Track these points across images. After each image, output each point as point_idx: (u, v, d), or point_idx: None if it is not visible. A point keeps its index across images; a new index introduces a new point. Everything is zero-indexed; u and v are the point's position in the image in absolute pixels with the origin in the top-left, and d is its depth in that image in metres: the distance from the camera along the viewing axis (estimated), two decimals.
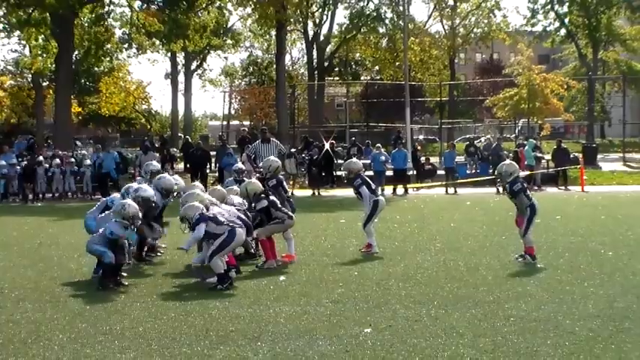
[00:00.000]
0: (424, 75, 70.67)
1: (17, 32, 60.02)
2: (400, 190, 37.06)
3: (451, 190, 37.29)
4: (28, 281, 14.34)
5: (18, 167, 36.03)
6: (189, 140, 47.16)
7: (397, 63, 66.73)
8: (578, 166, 40.04)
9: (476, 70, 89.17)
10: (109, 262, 13.54)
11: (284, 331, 10.27)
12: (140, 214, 13.90)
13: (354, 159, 20.83)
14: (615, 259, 15.72)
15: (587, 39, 73.15)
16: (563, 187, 38.60)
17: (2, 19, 56.85)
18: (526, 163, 39.05)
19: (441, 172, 41.57)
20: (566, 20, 73.17)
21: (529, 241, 15.60)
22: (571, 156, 42.63)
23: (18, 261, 16.72)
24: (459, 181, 38.22)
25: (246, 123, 74.26)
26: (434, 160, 45.56)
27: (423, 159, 44.18)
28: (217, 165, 39.93)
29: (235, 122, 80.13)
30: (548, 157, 42.91)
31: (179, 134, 73.77)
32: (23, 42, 66.58)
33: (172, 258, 16.37)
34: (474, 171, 43.14)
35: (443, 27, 75.47)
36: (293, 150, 41.31)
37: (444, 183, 38.05)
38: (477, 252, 16.94)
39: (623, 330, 10.01)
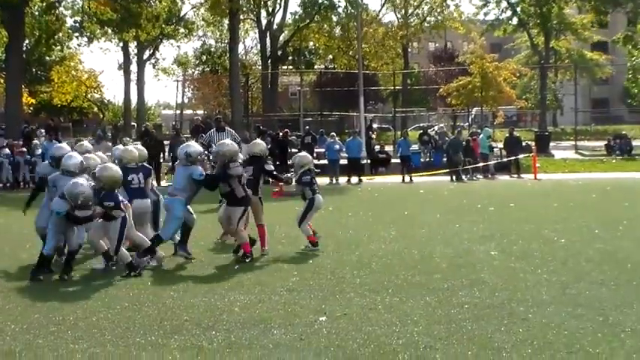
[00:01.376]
0: (378, 64, 70.73)
1: None
2: (354, 179, 37.11)
3: (407, 178, 37.34)
4: None
5: None
6: (148, 128, 46.47)
7: (351, 52, 66.82)
8: (531, 154, 40.36)
9: (429, 58, 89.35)
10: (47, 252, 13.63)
11: (239, 319, 10.23)
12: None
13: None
14: (568, 246, 15.85)
15: (538, 28, 73.60)
16: (516, 175, 38.88)
17: None
18: (480, 151, 39.23)
19: (395, 160, 41.70)
20: (518, 9, 73.51)
21: (307, 231, 16.03)
22: (523, 144, 42.96)
23: None
24: (420, 174, 38.30)
25: (200, 112, 73.86)
26: (388, 148, 45.71)
27: (377, 147, 44.35)
28: (171, 154, 39.73)
29: (189, 111, 79.77)
30: (501, 145, 43.25)
31: (132, 123, 73.30)
32: None
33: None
34: (427, 159, 43.35)
35: (396, 16, 75.64)
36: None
37: (402, 173, 38.10)
38: (430, 240, 17.01)
39: (575, 316, 10.07)
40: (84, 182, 13.52)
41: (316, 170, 18.73)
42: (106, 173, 13.61)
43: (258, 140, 17.59)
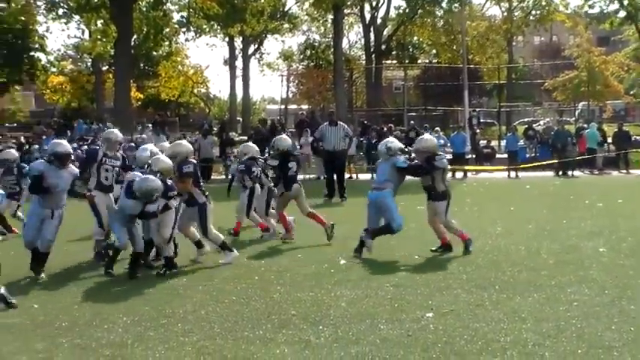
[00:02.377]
0: (482, 58, 70.21)
1: (77, 17, 60.68)
2: (459, 173, 36.91)
3: (512, 173, 37.04)
4: (89, 264, 14.57)
5: (79, 151, 36.36)
6: (276, 124, 46.28)
7: (455, 46, 66.45)
8: None
9: (534, 52, 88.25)
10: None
11: (345, 314, 10.27)
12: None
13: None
14: None
15: None
16: (624, 171, 38.26)
17: (62, 3, 57.50)
18: (587, 146, 38.75)
19: (501, 155, 41.43)
20: (625, 1, 72.06)
21: (255, 219, 17.87)
22: (632, 139, 42.24)
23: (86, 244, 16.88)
24: (523, 165, 37.91)
25: (304, 106, 74.09)
26: (493, 143, 45.38)
27: (482, 142, 44.06)
28: None
29: (293, 106, 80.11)
30: (609, 140, 42.61)
31: (237, 118, 73.99)
32: (83, 27, 67.26)
33: (233, 242, 16.42)
34: (533, 155, 42.92)
35: (500, 9, 75.01)
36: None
37: (506, 167, 37.78)
38: (537, 236, 16.82)
39: None
40: (154, 177, 13.53)
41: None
42: (160, 164, 13.83)
43: (284, 135, 18.62)
